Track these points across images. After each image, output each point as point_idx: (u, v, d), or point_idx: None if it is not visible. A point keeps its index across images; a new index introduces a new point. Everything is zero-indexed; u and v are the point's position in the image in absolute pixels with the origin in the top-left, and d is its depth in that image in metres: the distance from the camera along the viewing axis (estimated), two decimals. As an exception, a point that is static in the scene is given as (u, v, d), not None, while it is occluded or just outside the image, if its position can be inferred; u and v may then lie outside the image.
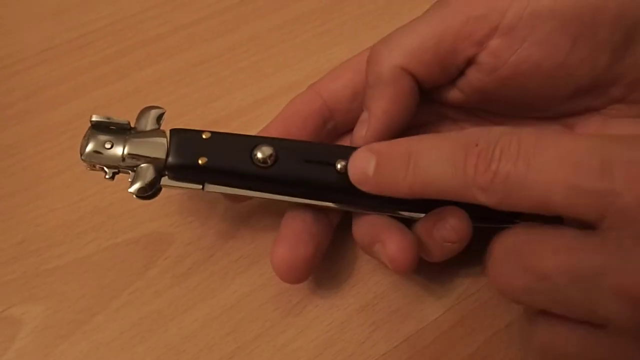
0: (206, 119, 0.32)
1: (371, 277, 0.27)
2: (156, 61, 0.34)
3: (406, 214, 0.24)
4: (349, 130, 0.27)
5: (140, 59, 0.34)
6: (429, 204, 0.23)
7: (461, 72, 0.23)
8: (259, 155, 0.23)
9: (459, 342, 0.25)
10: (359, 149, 0.22)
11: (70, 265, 0.26)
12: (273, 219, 0.28)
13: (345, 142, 0.27)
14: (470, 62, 0.22)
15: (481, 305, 0.26)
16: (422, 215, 0.24)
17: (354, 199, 0.24)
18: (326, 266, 0.27)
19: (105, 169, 0.23)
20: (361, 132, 0.24)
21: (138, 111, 0.24)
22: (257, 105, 0.32)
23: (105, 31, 0.35)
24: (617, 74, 0.22)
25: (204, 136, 0.23)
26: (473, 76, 0.23)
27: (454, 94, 0.24)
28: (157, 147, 0.22)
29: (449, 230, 0.22)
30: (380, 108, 0.23)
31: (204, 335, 0.25)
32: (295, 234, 0.23)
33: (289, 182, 0.23)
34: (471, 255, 0.27)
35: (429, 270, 0.27)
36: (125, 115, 0.24)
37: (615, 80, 0.22)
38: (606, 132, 0.23)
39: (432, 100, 0.25)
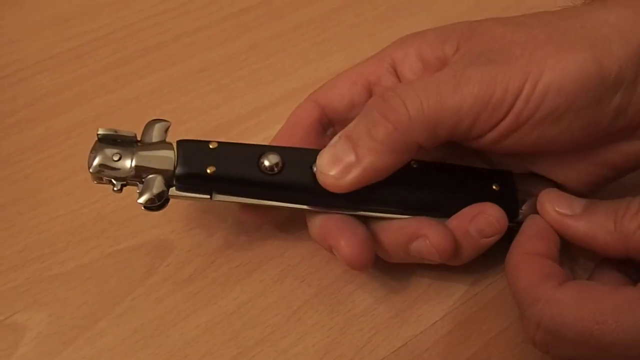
0: (206, 126, 0.32)
1: (370, 282, 0.27)
2: (157, 69, 0.34)
3: (415, 216, 0.24)
4: None
5: (141, 67, 0.34)
6: (438, 208, 0.24)
7: None
8: (266, 163, 0.23)
9: (457, 347, 0.26)
10: (552, 189, 0.24)
11: (73, 271, 0.27)
12: (272, 227, 0.29)
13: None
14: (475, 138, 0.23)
15: (479, 310, 0.26)
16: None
17: (358, 205, 0.24)
18: (325, 272, 0.27)
19: (113, 181, 0.23)
20: (335, 172, 0.22)
21: (140, 119, 0.25)
22: (257, 112, 0.33)
23: (106, 39, 0.35)
24: (620, 125, 0.22)
25: (211, 146, 0.23)
26: (473, 144, 0.23)
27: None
28: (165, 159, 0.23)
29: (493, 222, 0.23)
30: (375, 167, 0.22)
31: (205, 341, 0.25)
32: (342, 225, 0.23)
33: (295, 189, 0.23)
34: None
35: (427, 275, 0.27)
36: (127, 122, 0.24)
37: (619, 130, 0.22)
38: (601, 163, 0.24)
39: None
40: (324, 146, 0.26)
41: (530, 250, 0.23)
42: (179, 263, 0.27)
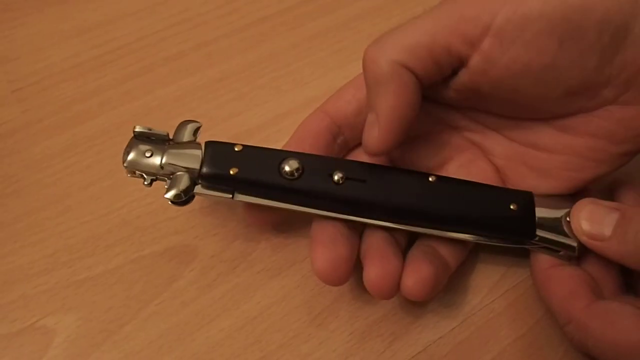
0: (227, 134, 0.33)
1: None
2: (179, 78, 0.35)
3: (444, 232, 0.25)
4: (358, 144, 0.28)
5: (163, 76, 0.35)
6: (453, 223, 0.25)
7: (454, 73, 0.24)
8: (287, 168, 0.24)
9: (475, 352, 0.26)
10: (585, 202, 0.24)
11: (100, 276, 0.28)
12: (293, 232, 0.29)
13: (355, 156, 0.28)
14: (463, 62, 0.23)
15: (496, 317, 0.27)
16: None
17: (369, 214, 0.25)
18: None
19: (144, 175, 0.24)
20: (372, 133, 0.23)
21: (162, 127, 0.25)
22: (277, 120, 0.34)
23: (129, 48, 0.36)
24: (606, 75, 0.22)
25: (236, 148, 0.24)
26: (466, 78, 0.23)
27: (448, 94, 0.25)
28: (193, 158, 0.24)
29: None
30: (386, 105, 0.23)
31: (229, 344, 0.26)
32: (329, 236, 0.24)
33: (312, 195, 0.24)
34: (486, 267, 0.28)
35: (447, 282, 0.28)
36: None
37: (606, 81, 0.22)
38: (598, 134, 0.24)
39: (428, 100, 0.26)
40: (334, 153, 0.27)
41: (553, 262, 0.24)
42: (202, 268, 0.28)
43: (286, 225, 0.29)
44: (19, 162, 0.31)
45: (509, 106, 0.25)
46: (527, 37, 0.21)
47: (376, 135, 0.23)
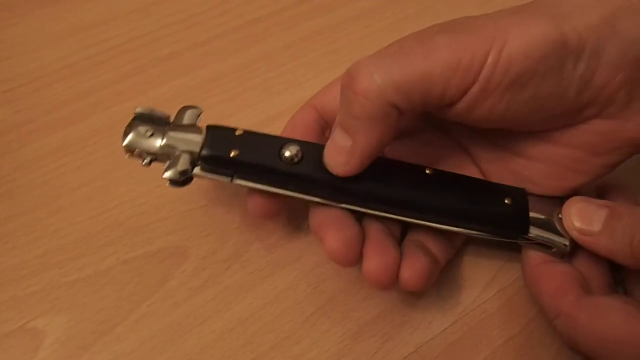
0: (220, 135, 0.33)
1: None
2: (171, 78, 0.35)
3: (436, 225, 0.25)
4: None
5: (156, 76, 0.35)
6: (448, 216, 0.25)
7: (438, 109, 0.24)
8: (287, 153, 0.24)
9: (466, 353, 0.26)
10: (576, 199, 0.24)
11: (91, 277, 0.27)
12: (286, 233, 0.29)
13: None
14: (451, 105, 0.23)
15: (488, 317, 0.27)
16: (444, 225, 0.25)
17: (367, 204, 0.25)
18: (338, 278, 0.28)
19: (143, 155, 0.24)
20: (340, 158, 0.23)
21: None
22: (269, 121, 0.34)
23: (122, 49, 0.36)
24: (587, 98, 0.22)
25: (237, 133, 0.25)
26: (448, 114, 0.23)
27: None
28: (193, 140, 0.24)
29: None
30: (367, 141, 0.22)
31: (220, 346, 0.26)
32: (335, 220, 0.24)
33: (312, 180, 0.24)
34: (478, 267, 0.29)
35: (437, 283, 0.28)
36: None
37: (586, 104, 0.23)
38: (580, 145, 0.24)
39: None
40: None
41: (544, 259, 0.24)
42: (194, 269, 0.28)
43: (280, 225, 0.29)
44: (10, 162, 0.31)
45: (491, 126, 0.25)
46: (511, 79, 0.22)
47: (343, 163, 0.23)
